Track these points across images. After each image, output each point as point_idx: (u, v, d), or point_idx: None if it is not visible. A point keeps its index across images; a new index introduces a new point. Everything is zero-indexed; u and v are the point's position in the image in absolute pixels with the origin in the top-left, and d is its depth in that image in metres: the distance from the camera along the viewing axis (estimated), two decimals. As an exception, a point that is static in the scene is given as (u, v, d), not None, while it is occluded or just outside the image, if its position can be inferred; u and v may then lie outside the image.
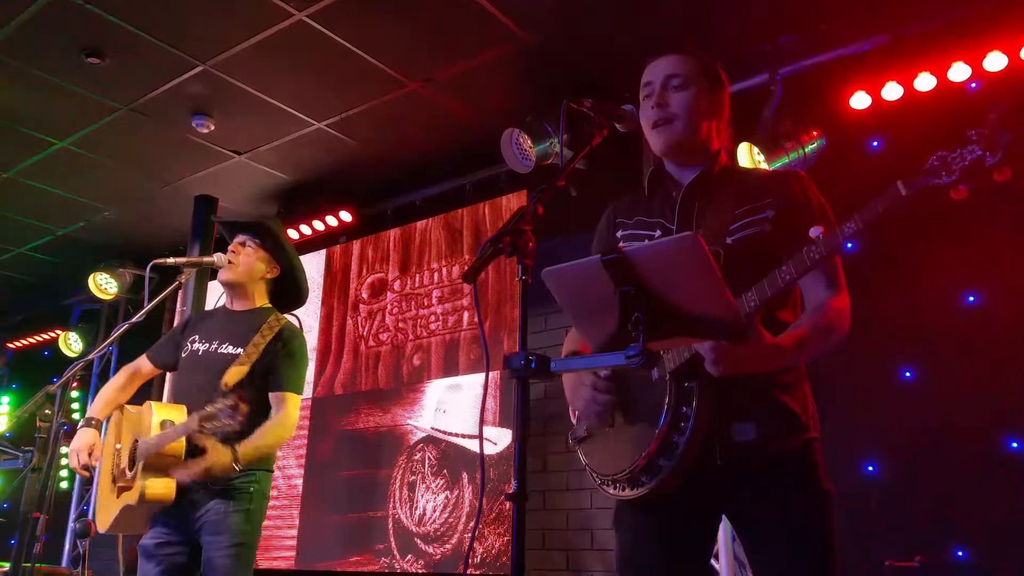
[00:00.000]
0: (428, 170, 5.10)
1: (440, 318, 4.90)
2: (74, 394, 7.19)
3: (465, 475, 4.45)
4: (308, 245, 5.62)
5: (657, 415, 1.55)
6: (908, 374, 3.52)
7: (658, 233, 1.78)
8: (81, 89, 4.35)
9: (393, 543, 4.59)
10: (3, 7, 3.71)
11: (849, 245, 3.43)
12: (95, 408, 2.81)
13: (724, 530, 3.33)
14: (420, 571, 4.43)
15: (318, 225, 5.53)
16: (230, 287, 2.87)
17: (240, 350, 2.72)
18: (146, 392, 2.96)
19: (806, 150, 3.64)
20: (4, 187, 5.45)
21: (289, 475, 5.20)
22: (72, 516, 6.44)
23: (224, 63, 4.11)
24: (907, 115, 3.60)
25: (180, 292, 5.29)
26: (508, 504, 1.29)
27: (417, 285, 5.10)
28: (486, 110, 4.47)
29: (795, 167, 3.57)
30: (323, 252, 5.67)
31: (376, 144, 4.90)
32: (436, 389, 4.76)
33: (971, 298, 3.46)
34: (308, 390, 5.34)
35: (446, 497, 4.48)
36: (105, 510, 2.73)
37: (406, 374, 4.94)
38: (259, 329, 2.75)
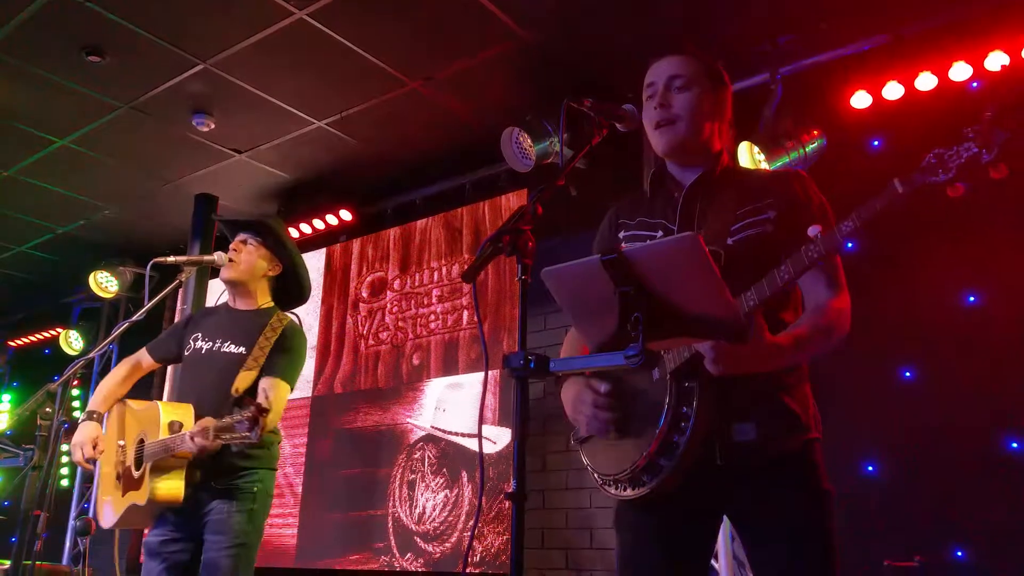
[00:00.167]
0: (428, 169, 5.11)
1: (440, 317, 4.90)
2: (75, 392, 7.19)
3: (465, 474, 4.46)
4: (308, 244, 5.62)
5: (657, 415, 1.55)
6: (908, 374, 3.52)
7: (660, 234, 1.78)
8: (81, 87, 4.35)
9: (393, 542, 4.59)
10: (3, 5, 3.71)
11: (849, 244, 3.44)
12: (96, 401, 2.81)
13: (723, 530, 3.33)
14: (419, 570, 4.43)
15: (318, 224, 5.53)
16: (232, 285, 2.87)
17: (243, 349, 2.72)
18: (144, 386, 2.96)
19: (807, 149, 3.64)
20: (4, 185, 5.46)
21: (289, 473, 5.21)
22: (73, 514, 6.45)
23: (224, 62, 4.11)
24: (908, 115, 3.60)
25: (180, 291, 5.30)
26: (507, 503, 1.29)
27: (417, 284, 5.10)
28: (486, 109, 4.47)
29: (796, 166, 3.57)
30: (323, 251, 5.67)
31: (376, 143, 4.90)
32: (436, 388, 4.76)
33: (971, 298, 3.46)
34: (308, 388, 5.35)
35: (445, 496, 4.48)
36: (109, 506, 2.73)
37: (406, 373, 4.95)
38: (263, 330, 2.75)
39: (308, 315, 5.45)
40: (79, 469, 6.69)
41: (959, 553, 3.19)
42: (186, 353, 2.84)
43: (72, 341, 6.99)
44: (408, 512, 4.61)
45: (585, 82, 4.12)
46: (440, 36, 3.91)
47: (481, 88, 4.31)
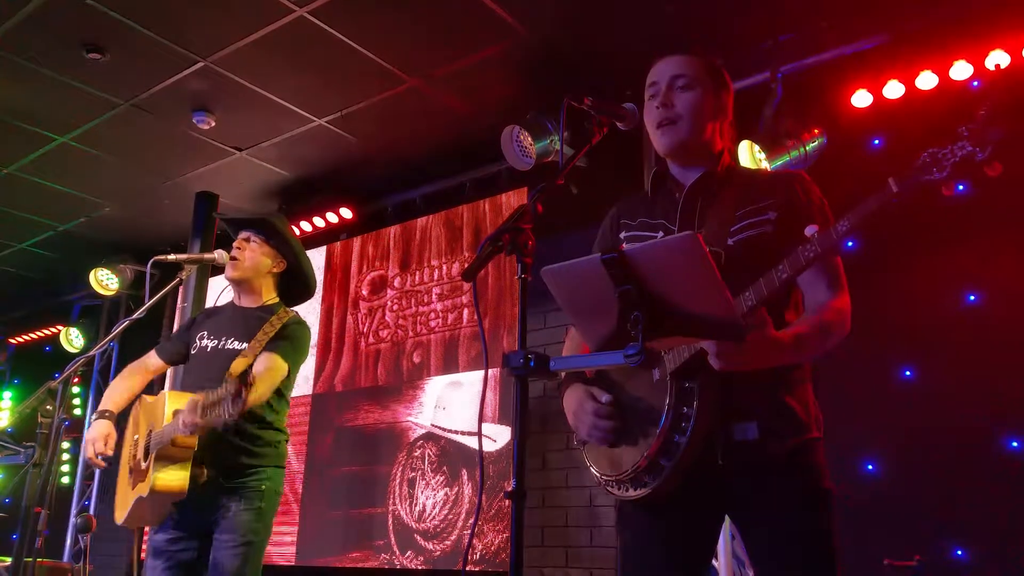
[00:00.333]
0: (428, 167, 5.10)
1: (440, 315, 4.90)
2: (75, 390, 7.21)
3: (465, 472, 4.46)
4: (308, 242, 5.60)
5: (658, 416, 1.56)
6: (908, 374, 3.52)
7: (660, 234, 1.78)
8: (82, 85, 4.35)
9: (393, 539, 4.60)
10: (4, 2, 3.71)
11: (850, 244, 3.44)
12: (107, 401, 2.79)
13: (724, 529, 3.33)
14: (420, 567, 4.43)
15: (318, 222, 5.53)
16: (237, 284, 2.87)
17: (247, 345, 2.72)
18: (148, 385, 2.97)
19: (807, 148, 3.64)
20: (5, 183, 5.46)
21: (288, 471, 5.21)
22: (73, 511, 6.46)
23: (225, 59, 4.11)
24: (909, 114, 3.59)
25: (181, 288, 5.30)
26: (507, 501, 1.29)
27: (417, 282, 5.10)
28: (486, 107, 4.47)
29: (796, 165, 3.57)
30: (323, 249, 5.67)
31: (377, 141, 4.90)
32: (436, 386, 4.77)
33: (971, 298, 3.46)
34: (308, 386, 5.35)
35: (446, 494, 4.49)
36: (122, 502, 2.72)
37: (406, 371, 4.95)
38: (265, 325, 2.76)
39: (308, 313, 5.44)
40: (80, 466, 6.70)
41: (959, 552, 3.19)
42: (192, 351, 2.84)
43: (73, 339, 6.99)
44: (408, 510, 4.61)
45: (585, 80, 4.11)
46: (441, 34, 3.90)
47: (482, 86, 4.31)
